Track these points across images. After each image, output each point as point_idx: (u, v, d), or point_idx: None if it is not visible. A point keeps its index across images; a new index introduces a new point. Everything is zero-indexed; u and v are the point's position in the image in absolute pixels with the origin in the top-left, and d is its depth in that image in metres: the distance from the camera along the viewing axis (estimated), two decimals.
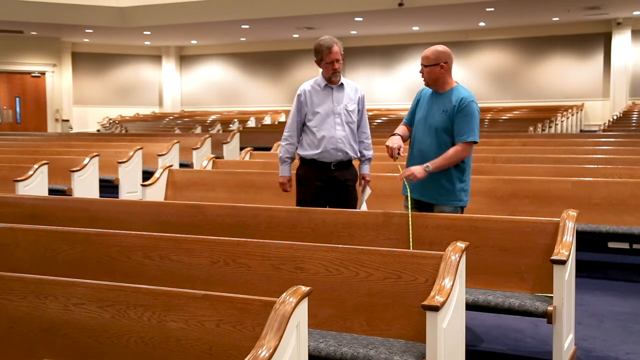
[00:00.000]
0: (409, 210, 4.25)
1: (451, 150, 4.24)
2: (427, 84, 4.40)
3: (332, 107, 4.69)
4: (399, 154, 4.26)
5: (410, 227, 4.18)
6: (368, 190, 4.84)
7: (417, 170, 4.22)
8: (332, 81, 4.71)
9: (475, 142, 4.29)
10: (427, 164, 4.23)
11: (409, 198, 4.35)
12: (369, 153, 4.87)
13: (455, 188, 4.32)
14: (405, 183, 4.35)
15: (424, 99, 4.47)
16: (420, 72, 4.37)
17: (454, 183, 4.31)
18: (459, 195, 4.35)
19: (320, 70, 4.75)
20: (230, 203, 5.45)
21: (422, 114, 4.41)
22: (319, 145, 4.67)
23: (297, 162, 4.92)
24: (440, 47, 4.34)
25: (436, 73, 4.31)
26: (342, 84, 4.75)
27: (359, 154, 4.85)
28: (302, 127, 4.76)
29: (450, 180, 4.31)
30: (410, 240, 4.16)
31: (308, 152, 4.72)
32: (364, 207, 4.78)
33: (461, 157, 4.26)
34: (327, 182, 4.73)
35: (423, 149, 4.34)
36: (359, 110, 4.82)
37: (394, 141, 4.31)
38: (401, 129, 4.50)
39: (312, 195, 4.72)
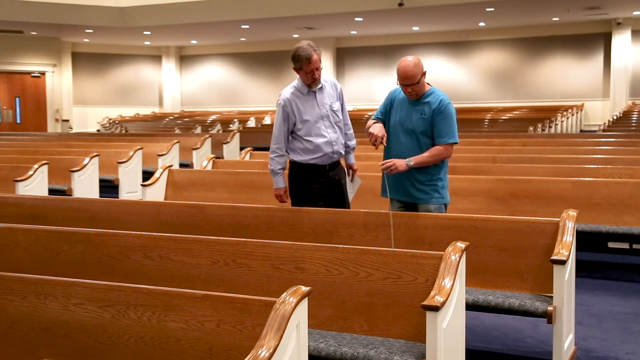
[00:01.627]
0: (390, 211, 4.31)
1: (433, 150, 4.34)
2: (416, 99, 4.38)
3: (319, 112, 4.64)
4: (382, 142, 4.29)
5: (392, 227, 4.23)
6: (358, 180, 4.87)
7: (399, 162, 4.27)
8: (312, 86, 4.64)
9: (456, 143, 4.40)
10: (409, 158, 4.29)
11: (392, 200, 4.42)
12: (352, 143, 4.87)
13: (437, 186, 4.41)
14: (386, 186, 4.41)
15: (398, 101, 4.48)
16: (409, 92, 4.31)
17: (435, 181, 4.40)
18: (441, 192, 4.44)
19: (298, 76, 4.66)
20: (230, 203, 5.46)
21: (399, 118, 4.43)
22: (315, 151, 4.63)
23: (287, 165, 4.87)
24: (412, 61, 4.28)
25: (421, 85, 4.34)
26: (321, 84, 4.69)
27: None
28: (290, 134, 4.70)
29: (431, 178, 4.39)
30: (392, 239, 4.20)
31: (303, 157, 4.66)
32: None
33: (443, 157, 4.38)
34: (324, 183, 4.72)
35: (402, 151, 4.37)
36: (340, 104, 4.80)
37: (378, 129, 4.33)
38: (375, 121, 4.52)
39: (311, 198, 4.70)
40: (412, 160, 4.28)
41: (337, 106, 4.73)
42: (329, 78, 4.79)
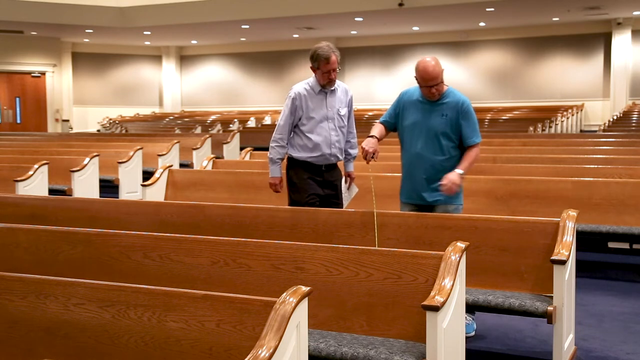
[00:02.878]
0: (374, 210, 4.29)
1: (472, 153, 4.38)
2: (437, 99, 4.36)
3: (326, 112, 4.71)
4: (373, 157, 4.27)
5: (376, 226, 4.23)
6: (355, 188, 4.88)
7: (456, 179, 4.24)
8: (326, 86, 4.70)
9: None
10: (459, 169, 4.29)
11: (405, 203, 4.43)
12: (354, 152, 4.90)
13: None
14: (407, 190, 4.42)
15: (410, 103, 4.46)
16: (433, 92, 4.29)
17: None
18: (460, 194, 4.45)
19: (313, 75, 4.74)
20: (230, 203, 5.46)
21: (415, 119, 4.40)
22: (314, 149, 4.69)
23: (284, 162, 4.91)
24: (432, 61, 4.29)
25: (443, 84, 4.34)
26: (334, 87, 4.75)
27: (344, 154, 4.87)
28: (293, 129, 4.76)
29: None
30: (376, 238, 4.20)
31: (301, 154, 4.72)
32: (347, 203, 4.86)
33: (479, 156, 4.48)
34: (320, 182, 4.76)
35: (421, 153, 4.37)
36: (348, 111, 4.85)
37: (370, 144, 4.30)
38: (378, 128, 4.49)
39: (307, 195, 4.73)
40: (463, 170, 4.29)
41: (344, 111, 4.80)
42: (342, 84, 4.86)
